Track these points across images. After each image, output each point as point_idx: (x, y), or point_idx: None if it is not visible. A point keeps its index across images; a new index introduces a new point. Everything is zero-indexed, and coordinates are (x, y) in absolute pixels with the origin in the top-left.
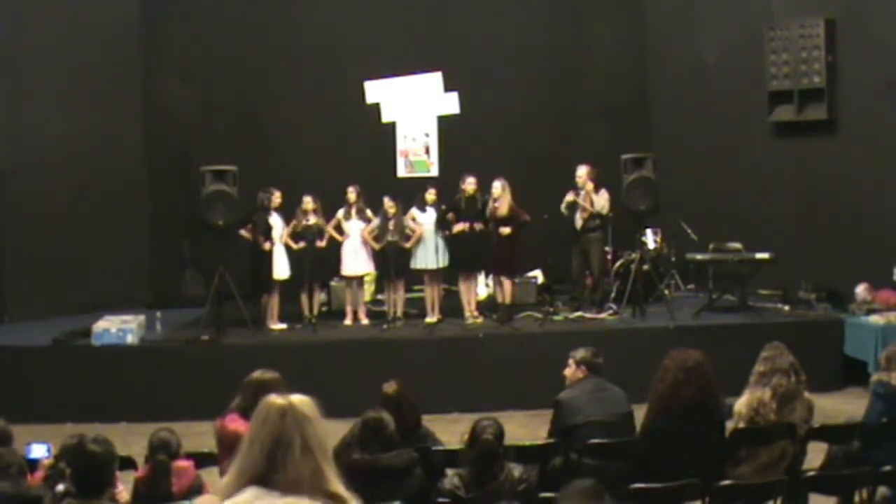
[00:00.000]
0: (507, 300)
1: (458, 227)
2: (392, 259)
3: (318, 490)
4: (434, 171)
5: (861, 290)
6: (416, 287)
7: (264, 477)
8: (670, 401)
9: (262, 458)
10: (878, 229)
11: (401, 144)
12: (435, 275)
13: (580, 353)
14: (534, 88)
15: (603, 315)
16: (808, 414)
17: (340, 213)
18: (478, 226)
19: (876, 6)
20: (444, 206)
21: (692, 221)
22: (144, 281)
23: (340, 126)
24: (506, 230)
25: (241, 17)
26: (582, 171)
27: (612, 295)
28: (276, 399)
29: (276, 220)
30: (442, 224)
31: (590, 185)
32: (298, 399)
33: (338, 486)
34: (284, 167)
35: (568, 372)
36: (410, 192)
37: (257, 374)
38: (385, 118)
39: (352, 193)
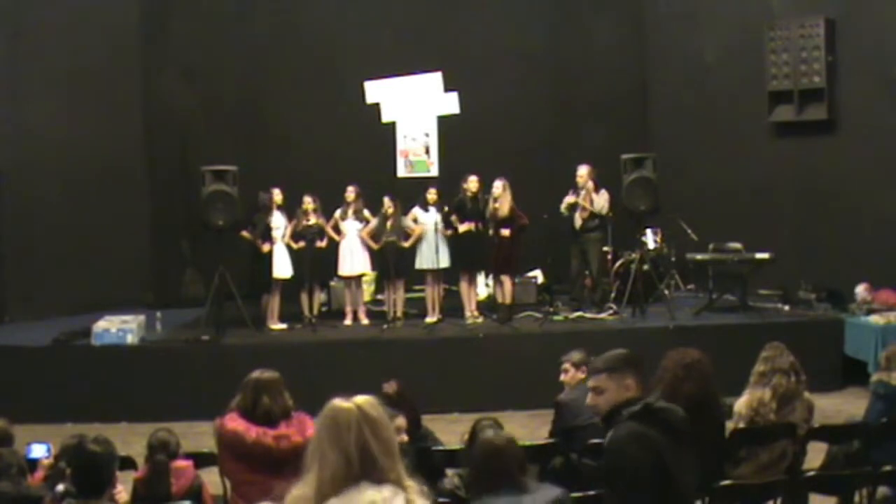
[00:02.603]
0: (507, 300)
1: (464, 227)
2: (392, 259)
3: (399, 485)
4: (434, 171)
5: (861, 289)
6: (416, 287)
7: (354, 482)
8: (670, 398)
9: (352, 465)
10: (877, 229)
11: (401, 144)
12: (436, 275)
13: (576, 355)
14: (534, 88)
15: (603, 315)
16: (808, 414)
17: (338, 213)
18: (481, 225)
19: (876, 6)
20: (447, 207)
21: (692, 221)
22: (144, 281)
23: (340, 126)
24: (506, 232)
25: (242, 16)
26: (583, 171)
27: (612, 295)
28: (346, 405)
29: (278, 220)
30: (447, 225)
31: (590, 185)
32: (365, 401)
33: (408, 478)
34: (284, 167)
35: (566, 377)
36: (410, 192)
37: (257, 373)
38: (385, 118)
39: (351, 193)
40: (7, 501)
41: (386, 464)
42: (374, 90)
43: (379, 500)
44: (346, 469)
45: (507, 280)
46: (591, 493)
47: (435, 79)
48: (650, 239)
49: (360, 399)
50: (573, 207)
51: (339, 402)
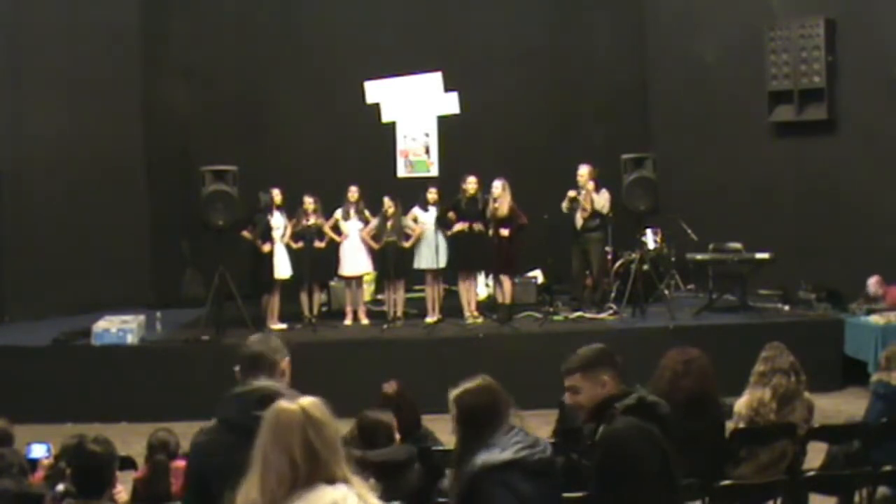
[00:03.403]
0: (507, 300)
1: (458, 227)
2: (392, 259)
3: (346, 483)
4: (434, 171)
5: (872, 282)
6: (416, 287)
7: (304, 482)
8: (670, 394)
9: (297, 466)
10: (878, 229)
11: (401, 144)
12: (435, 275)
13: None
14: (534, 88)
15: (603, 315)
16: (808, 414)
17: (338, 213)
18: (477, 226)
19: (876, 6)
20: (444, 206)
21: (692, 221)
22: (144, 281)
23: (340, 126)
24: (505, 232)
25: (242, 17)
26: (584, 171)
27: (612, 295)
28: (290, 406)
29: (278, 220)
30: (442, 223)
31: (591, 185)
32: (310, 403)
33: (352, 475)
34: (284, 167)
35: None
36: (410, 192)
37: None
38: (385, 118)
39: (353, 193)
40: (9, 499)
41: (332, 462)
42: (374, 90)
43: (340, 500)
44: (291, 470)
45: (506, 280)
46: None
47: (435, 79)
48: (650, 239)
49: (305, 400)
50: (573, 203)
51: (283, 403)
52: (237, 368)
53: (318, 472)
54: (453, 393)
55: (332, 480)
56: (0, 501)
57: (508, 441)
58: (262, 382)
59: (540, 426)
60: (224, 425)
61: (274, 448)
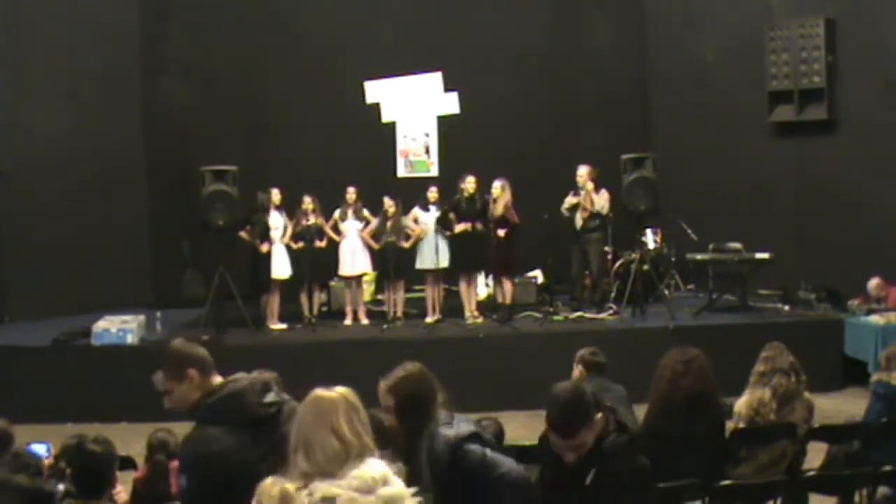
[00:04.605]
0: (507, 300)
1: (460, 228)
2: (392, 259)
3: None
4: (434, 171)
5: (874, 284)
6: (417, 287)
7: (356, 458)
8: (670, 394)
9: (347, 445)
10: (878, 229)
11: (401, 144)
12: (435, 275)
13: (581, 351)
14: (534, 88)
15: (603, 315)
16: (808, 414)
17: (337, 213)
18: (478, 226)
19: (876, 6)
20: (445, 207)
21: (692, 221)
22: (144, 281)
23: (340, 126)
24: (501, 232)
25: (242, 17)
26: (583, 171)
27: (612, 295)
28: (330, 393)
29: (277, 220)
30: (443, 224)
31: (590, 185)
32: (346, 391)
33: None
34: (284, 167)
35: (575, 373)
36: (410, 192)
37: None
38: (385, 118)
39: (351, 193)
40: (21, 493)
41: (369, 442)
42: (374, 90)
43: (388, 474)
44: (341, 449)
45: (506, 280)
46: None
47: (435, 79)
48: (650, 239)
49: (341, 389)
50: (574, 208)
51: (320, 391)
52: (193, 370)
53: (364, 450)
54: (386, 384)
55: (372, 456)
56: (13, 495)
57: (458, 421)
58: (250, 376)
59: (540, 426)
60: (233, 426)
61: (317, 429)
